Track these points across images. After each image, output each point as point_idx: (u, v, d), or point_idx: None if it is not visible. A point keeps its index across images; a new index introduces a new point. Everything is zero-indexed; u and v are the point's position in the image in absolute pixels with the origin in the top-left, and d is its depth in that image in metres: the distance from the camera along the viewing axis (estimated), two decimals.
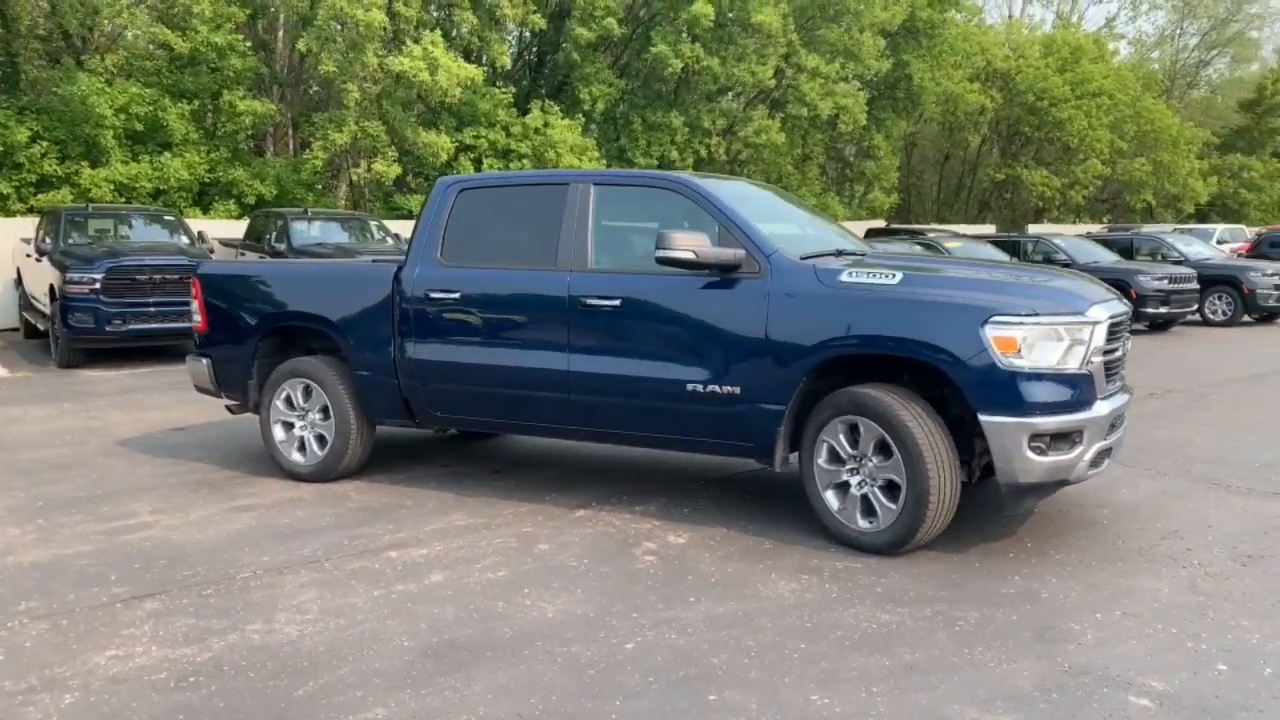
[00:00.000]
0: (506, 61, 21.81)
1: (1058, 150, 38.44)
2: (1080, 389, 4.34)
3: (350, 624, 3.83)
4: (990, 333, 4.26)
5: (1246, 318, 17.30)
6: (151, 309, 11.53)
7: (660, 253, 4.77)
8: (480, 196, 5.77)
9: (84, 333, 11.18)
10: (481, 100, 21.78)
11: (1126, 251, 19.06)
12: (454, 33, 20.80)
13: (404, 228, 16.71)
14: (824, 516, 4.72)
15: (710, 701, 3.13)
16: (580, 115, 23.12)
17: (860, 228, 22.36)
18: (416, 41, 19.15)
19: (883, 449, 4.49)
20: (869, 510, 4.57)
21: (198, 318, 6.56)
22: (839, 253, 5.15)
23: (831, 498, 4.70)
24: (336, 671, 3.40)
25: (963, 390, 4.31)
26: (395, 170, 19.73)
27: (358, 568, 4.49)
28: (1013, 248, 16.96)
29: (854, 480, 4.62)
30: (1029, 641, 3.56)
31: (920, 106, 30.26)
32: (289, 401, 6.16)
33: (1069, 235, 21.18)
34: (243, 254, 15.24)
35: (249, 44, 19.24)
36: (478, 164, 22.58)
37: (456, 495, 5.74)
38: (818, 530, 4.83)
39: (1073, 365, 4.31)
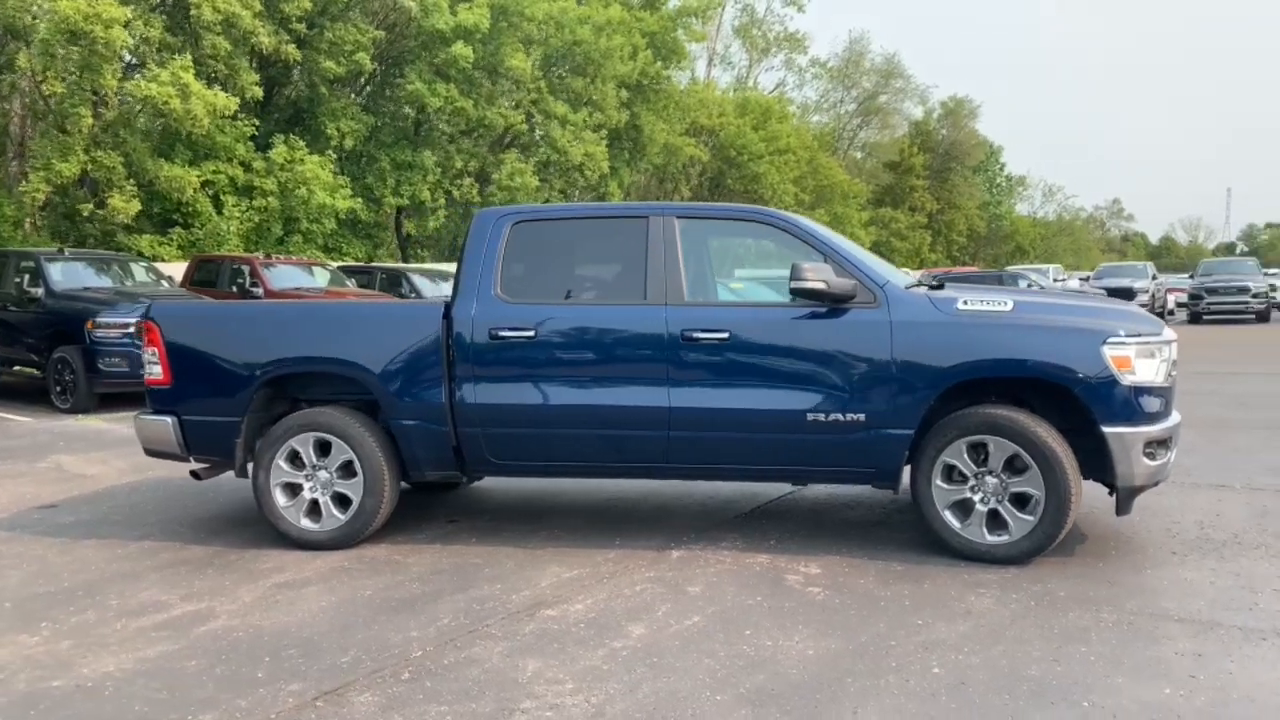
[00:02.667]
0: (258, 92, 20.20)
1: (752, 201, 42.00)
2: (1167, 400, 4.94)
3: (626, 688, 3.48)
4: (1109, 352, 4.74)
5: None
6: None
7: (795, 284, 4.81)
8: (538, 229, 5.45)
9: None
10: (221, 133, 20.02)
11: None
12: (198, 58, 18.93)
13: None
14: (944, 534, 4.94)
15: (1091, 706, 3.23)
16: (330, 151, 21.93)
17: None
18: (161, 65, 17.26)
19: (1011, 464, 4.81)
20: (996, 525, 4.86)
21: (156, 368, 5.57)
22: (919, 283, 5.45)
23: (951, 516, 4.94)
24: None
25: (1088, 405, 4.74)
26: (135, 206, 17.56)
27: (537, 630, 4.07)
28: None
29: (977, 497, 4.89)
30: (1247, 619, 4.00)
31: (646, 156, 31.85)
32: (295, 460, 5.40)
33: None
34: None
35: None
36: (216, 201, 20.72)
37: (520, 548, 5.32)
38: (922, 547, 5.05)
39: (1161, 379, 4.89)
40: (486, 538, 5.57)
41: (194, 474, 5.82)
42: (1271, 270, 35.25)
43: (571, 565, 5.01)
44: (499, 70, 23.67)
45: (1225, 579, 4.54)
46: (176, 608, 4.47)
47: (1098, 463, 4.85)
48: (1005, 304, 4.97)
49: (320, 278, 15.95)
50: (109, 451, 8.58)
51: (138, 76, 17.97)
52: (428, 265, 22.15)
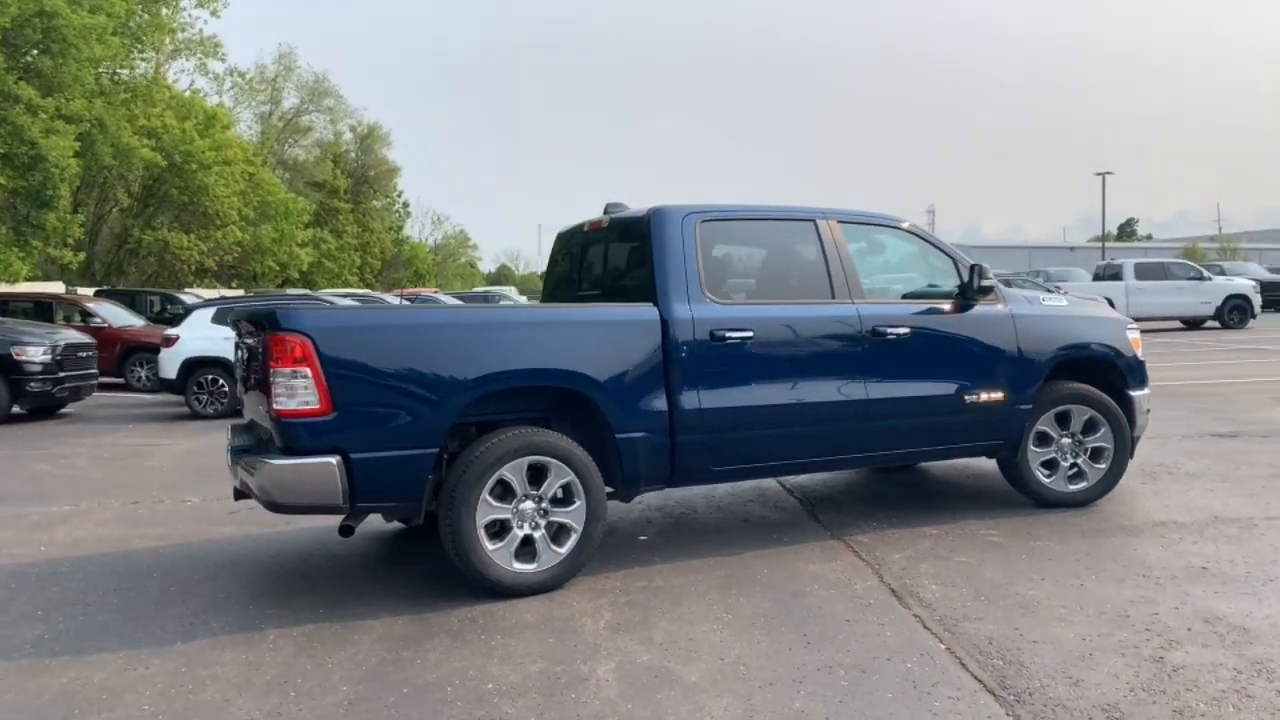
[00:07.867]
0: None
1: (198, 212, 38.22)
2: None
3: (1240, 659, 3.99)
4: (1130, 335, 6.32)
5: None
6: None
7: (984, 281, 5.57)
8: (722, 229, 5.32)
9: None
10: None
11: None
12: None
13: None
14: (1038, 488, 6.03)
15: None
16: None
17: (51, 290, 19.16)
18: None
19: (1086, 426, 6.09)
20: (1073, 476, 6.10)
21: (308, 395, 4.22)
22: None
23: (1040, 473, 6.07)
24: None
25: (1125, 375, 6.22)
26: None
27: (983, 612, 4.26)
28: None
29: (1059, 455, 6.10)
30: (1252, 509, 5.78)
31: (96, 156, 27.20)
32: (504, 493, 4.57)
33: None
34: None
35: None
36: None
37: (730, 556, 5.19)
38: (1006, 503, 6.12)
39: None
40: (671, 552, 5.27)
41: (345, 529, 4.48)
42: None
43: (810, 560, 5.09)
44: None
45: (1205, 493, 6.32)
46: (584, 675, 3.67)
47: None
48: (1063, 301, 6.29)
49: None
50: None
51: None
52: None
